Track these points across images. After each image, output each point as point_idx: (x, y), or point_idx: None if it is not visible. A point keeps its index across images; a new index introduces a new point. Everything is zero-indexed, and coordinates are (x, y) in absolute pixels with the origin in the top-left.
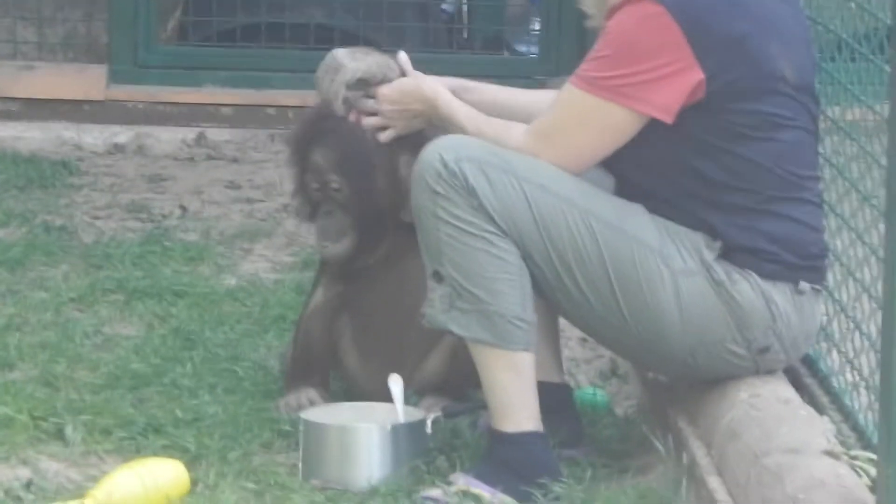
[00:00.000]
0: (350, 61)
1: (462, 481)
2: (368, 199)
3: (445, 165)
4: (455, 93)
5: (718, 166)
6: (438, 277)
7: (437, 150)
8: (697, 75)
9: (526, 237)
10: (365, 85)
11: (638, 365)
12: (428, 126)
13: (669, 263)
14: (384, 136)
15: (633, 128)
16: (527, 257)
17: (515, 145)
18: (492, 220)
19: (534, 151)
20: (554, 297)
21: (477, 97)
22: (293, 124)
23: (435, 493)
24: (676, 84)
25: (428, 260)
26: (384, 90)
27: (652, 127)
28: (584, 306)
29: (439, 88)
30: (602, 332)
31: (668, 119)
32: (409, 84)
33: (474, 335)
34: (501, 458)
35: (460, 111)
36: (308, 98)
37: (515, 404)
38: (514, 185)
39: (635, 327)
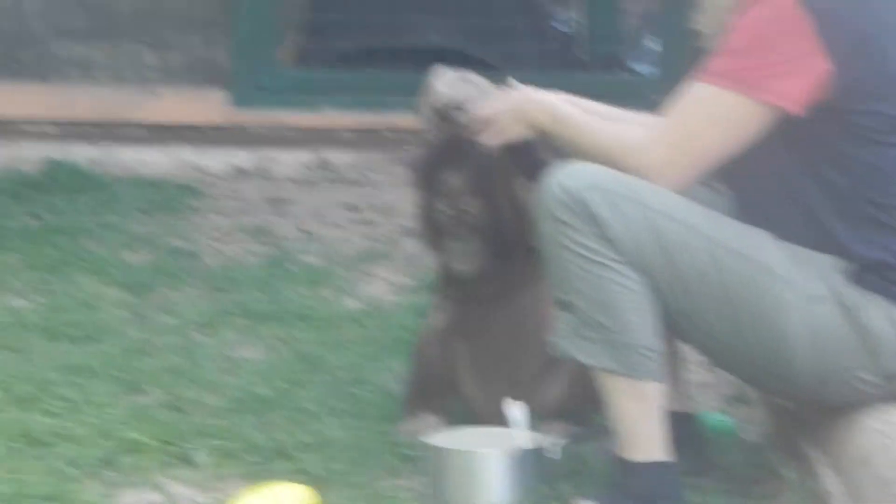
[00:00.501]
0: (440, 85)
1: None
2: (500, 223)
3: (569, 194)
4: None
5: (845, 173)
6: (564, 305)
7: (560, 178)
8: (825, 67)
9: (650, 265)
10: (455, 109)
11: (765, 393)
12: (537, 134)
13: (798, 290)
14: (491, 142)
15: (760, 122)
16: (651, 285)
17: (636, 143)
18: (616, 248)
19: (656, 148)
20: (678, 326)
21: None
22: (413, 147)
23: None
24: (805, 75)
25: (554, 288)
26: (501, 95)
27: (777, 132)
28: (709, 335)
29: (553, 96)
30: (728, 361)
31: (796, 110)
32: (525, 90)
33: (601, 364)
34: (627, 487)
35: (576, 114)
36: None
37: (643, 434)
38: (638, 213)
39: (763, 356)
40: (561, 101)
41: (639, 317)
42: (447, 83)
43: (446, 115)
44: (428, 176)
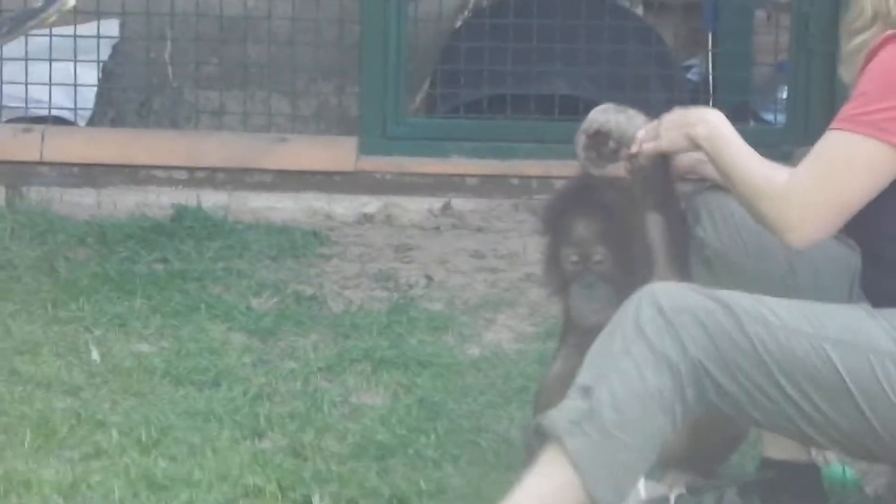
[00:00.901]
0: (596, 113)
1: None
2: (628, 271)
3: (661, 313)
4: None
5: None
6: (586, 394)
7: (656, 292)
8: None
9: (754, 381)
10: (606, 138)
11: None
12: (692, 147)
13: None
14: (650, 147)
15: (892, 166)
16: (757, 403)
17: (782, 188)
18: (687, 384)
19: (797, 200)
20: (796, 430)
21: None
22: (538, 194)
23: None
24: None
25: (587, 372)
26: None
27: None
28: (830, 429)
29: (721, 116)
30: (854, 447)
31: None
32: (694, 108)
33: (576, 459)
34: None
35: (735, 138)
36: (552, 168)
37: None
38: (735, 332)
39: (889, 437)
40: (726, 123)
41: (634, 471)
42: (603, 110)
43: (597, 139)
44: (556, 222)
